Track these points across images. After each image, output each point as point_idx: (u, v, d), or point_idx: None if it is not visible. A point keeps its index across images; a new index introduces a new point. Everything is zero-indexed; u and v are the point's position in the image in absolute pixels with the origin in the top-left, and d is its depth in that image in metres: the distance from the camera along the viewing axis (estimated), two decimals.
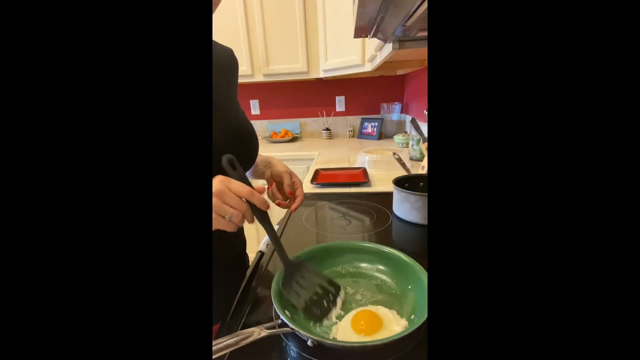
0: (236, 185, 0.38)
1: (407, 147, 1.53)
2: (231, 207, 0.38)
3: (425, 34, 0.73)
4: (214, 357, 0.31)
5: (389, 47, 0.84)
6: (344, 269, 0.50)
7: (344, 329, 0.38)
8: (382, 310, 0.41)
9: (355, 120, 2.14)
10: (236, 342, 0.33)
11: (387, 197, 0.87)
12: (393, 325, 0.38)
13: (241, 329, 0.36)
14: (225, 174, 0.39)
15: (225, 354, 0.35)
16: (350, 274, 0.49)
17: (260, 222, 0.42)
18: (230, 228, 0.39)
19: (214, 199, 0.36)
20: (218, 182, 0.37)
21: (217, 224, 0.38)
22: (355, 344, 0.33)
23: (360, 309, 0.41)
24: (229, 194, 0.37)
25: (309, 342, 0.35)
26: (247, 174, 0.62)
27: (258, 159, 0.63)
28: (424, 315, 0.35)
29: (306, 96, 2.14)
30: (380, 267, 0.49)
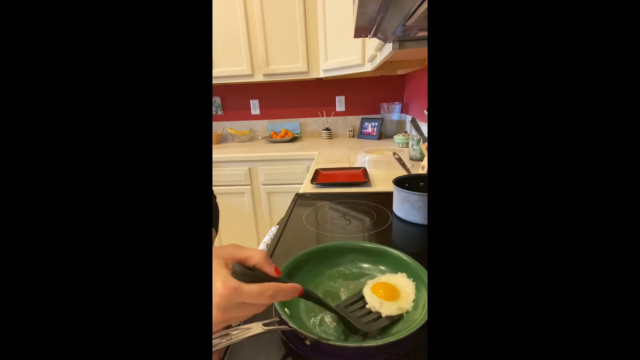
0: (249, 291, 0.29)
1: (407, 147, 1.53)
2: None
3: (425, 34, 0.73)
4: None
5: (389, 47, 0.84)
6: (346, 269, 0.50)
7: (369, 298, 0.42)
8: (384, 278, 0.46)
9: (355, 120, 2.14)
10: (234, 336, 0.32)
11: (387, 197, 0.87)
12: (406, 288, 0.43)
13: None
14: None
15: (222, 349, 0.35)
16: (353, 274, 0.49)
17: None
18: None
19: (216, 313, 0.27)
20: (219, 299, 0.27)
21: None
22: (350, 345, 0.33)
23: (373, 282, 0.45)
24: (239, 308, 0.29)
25: (306, 341, 0.35)
26: None
27: None
28: (424, 318, 0.35)
29: (306, 96, 2.14)
30: (382, 267, 0.49)
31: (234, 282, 0.28)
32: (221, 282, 0.27)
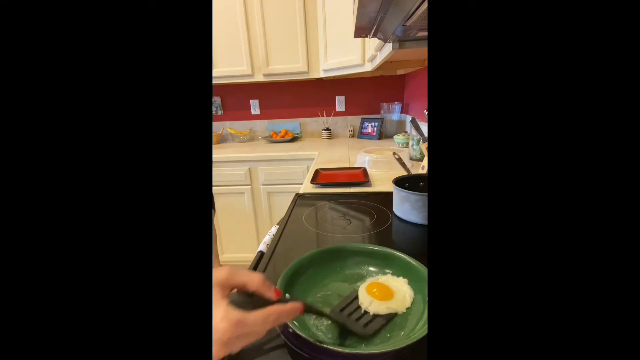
0: (253, 320, 0.28)
1: (407, 147, 1.53)
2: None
3: (425, 34, 0.73)
4: None
5: (389, 47, 0.84)
6: (351, 271, 0.50)
7: (363, 297, 0.43)
8: (383, 279, 0.46)
9: (355, 120, 2.14)
10: None
11: (387, 197, 0.87)
12: (403, 293, 0.43)
13: None
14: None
15: None
16: (362, 276, 0.49)
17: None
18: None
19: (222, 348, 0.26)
20: (225, 332, 0.26)
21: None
22: (322, 345, 0.33)
23: (369, 281, 0.46)
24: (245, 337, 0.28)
25: (289, 329, 0.36)
26: None
27: None
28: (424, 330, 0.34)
29: (306, 96, 2.14)
30: (388, 270, 0.49)
31: (236, 315, 0.27)
32: (222, 316, 0.26)
